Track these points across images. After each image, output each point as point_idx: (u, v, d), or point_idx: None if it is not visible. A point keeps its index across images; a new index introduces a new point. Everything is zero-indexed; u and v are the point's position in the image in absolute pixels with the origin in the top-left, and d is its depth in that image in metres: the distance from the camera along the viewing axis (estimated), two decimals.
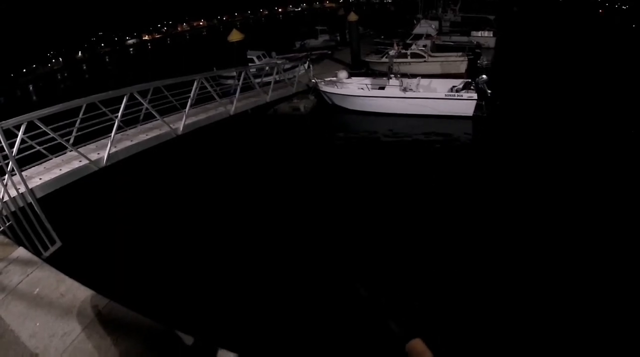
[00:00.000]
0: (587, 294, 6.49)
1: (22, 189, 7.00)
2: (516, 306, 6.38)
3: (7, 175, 6.79)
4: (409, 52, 21.71)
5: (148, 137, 10.64)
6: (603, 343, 5.59)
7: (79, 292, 4.31)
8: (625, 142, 11.78)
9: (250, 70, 16.18)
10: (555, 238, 7.96)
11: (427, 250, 7.94)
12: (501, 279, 6.94)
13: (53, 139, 8.42)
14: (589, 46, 26.82)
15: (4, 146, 6.79)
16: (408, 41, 24.15)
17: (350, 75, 18.77)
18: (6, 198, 6.61)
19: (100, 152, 9.44)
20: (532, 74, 20.32)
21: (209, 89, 12.67)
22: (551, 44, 27.83)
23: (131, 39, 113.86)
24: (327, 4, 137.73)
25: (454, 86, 15.99)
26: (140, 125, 11.44)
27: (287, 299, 6.98)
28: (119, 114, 9.53)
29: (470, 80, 15.98)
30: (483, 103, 15.05)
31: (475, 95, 15.00)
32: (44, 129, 8.04)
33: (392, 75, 16.81)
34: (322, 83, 18.27)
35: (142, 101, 10.43)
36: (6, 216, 6.51)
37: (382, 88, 17.01)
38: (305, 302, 6.86)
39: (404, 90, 16.17)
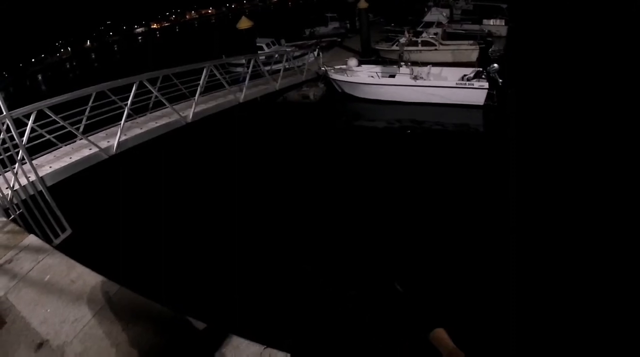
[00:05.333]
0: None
1: (33, 178, 7.03)
2: (535, 298, 6.28)
3: (17, 163, 6.81)
4: (419, 40, 21.41)
5: (157, 125, 10.65)
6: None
7: (89, 279, 4.32)
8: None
9: (260, 58, 16.09)
10: (568, 227, 7.85)
11: (438, 238, 7.90)
12: (514, 270, 6.84)
13: (63, 127, 8.46)
14: (604, 35, 26.27)
15: (14, 135, 6.80)
16: (419, 29, 23.82)
17: (360, 63, 18.62)
18: (17, 186, 6.64)
19: (110, 140, 9.47)
20: (544, 63, 19.99)
21: (218, 76, 12.60)
22: (564, 33, 27.32)
23: (139, 27, 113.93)
24: None
25: (465, 75, 15.80)
26: (150, 113, 11.45)
27: (297, 285, 6.98)
28: (129, 102, 9.53)
29: (481, 69, 15.75)
30: (494, 92, 14.87)
31: (486, 84, 14.80)
32: (54, 117, 8.08)
33: (403, 64, 16.62)
34: (332, 71, 18.11)
35: (151, 89, 10.40)
36: (17, 204, 6.54)
37: (393, 76, 16.83)
38: (317, 289, 6.86)
39: (415, 78, 15.98)
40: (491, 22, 27.20)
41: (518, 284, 6.47)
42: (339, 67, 18.34)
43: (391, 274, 6.81)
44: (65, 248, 5.65)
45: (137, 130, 10.17)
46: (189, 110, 11.41)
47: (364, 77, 17.33)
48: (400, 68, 16.60)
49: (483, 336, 5.49)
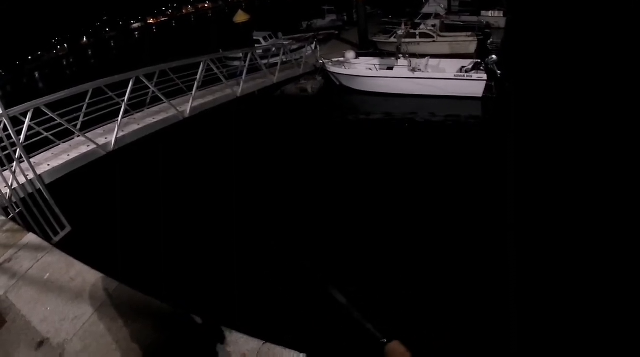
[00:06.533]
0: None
1: (31, 176, 7.01)
2: (533, 295, 6.23)
3: (15, 162, 6.79)
4: (417, 31, 21.32)
5: (155, 120, 10.62)
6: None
7: (88, 276, 4.32)
8: None
9: (257, 51, 16.03)
10: (567, 220, 7.84)
11: (436, 232, 7.91)
12: (514, 265, 6.80)
13: (60, 124, 8.43)
14: (602, 27, 26.11)
15: (12, 133, 6.78)
16: (417, 21, 23.77)
17: (358, 55, 18.61)
18: (15, 185, 6.63)
19: (108, 136, 9.44)
20: (542, 55, 19.90)
21: (216, 71, 12.57)
22: (563, 24, 27.15)
23: (136, 22, 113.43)
24: None
25: (463, 66, 15.77)
26: (147, 108, 11.42)
27: (296, 280, 7.00)
28: (126, 97, 9.52)
29: (479, 60, 15.72)
30: (493, 84, 14.85)
31: (484, 76, 14.77)
32: (51, 115, 8.05)
33: (401, 56, 16.57)
34: (330, 64, 18.09)
35: (148, 84, 10.38)
36: (15, 203, 6.53)
37: (391, 68, 16.78)
38: (315, 284, 6.87)
39: (413, 70, 15.95)
40: (489, 13, 27.03)
41: (517, 282, 6.45)
42: (336, 59, 18.30)
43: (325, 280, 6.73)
44: (65, 246, 5.65)
45: (135, 126, 10.14)
46: (187, 105, 11.37)
47: (361, 70, 17.28)
48: (398, 60, 16.55)
49: (481, 335, 5.52)
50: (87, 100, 9.76)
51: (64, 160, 8.36)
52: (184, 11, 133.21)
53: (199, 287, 6.87)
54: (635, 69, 14.90)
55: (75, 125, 9.21)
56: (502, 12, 27.10)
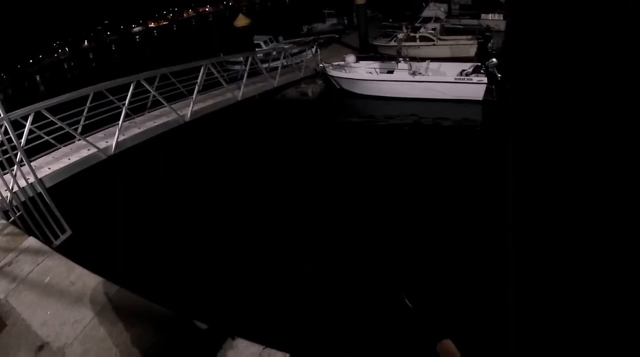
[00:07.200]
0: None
1: (32, 179, 7.02)
2: (533, 297, 6.20)
3: (16, 166, 6.80)
4: (417, 35, 21.34)
5: (156, 124, 10.64)
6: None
7: (89, 280, 4.32)
8: None
9: (257, 55, 16.06)
10: (563, 224, 7.82)
11: (436, 236, 7.89)
12: (513, 269, 6.78)
13: (61, 128, 8.46)
14: (602, 29, 26.16)
15: (12, 137, 6.80)
16: (417, 24, 23.75)
17: (358, 59, 18.56)
18: (16, 189, 6.63)
19: (109, 140, 9.46)
20: (543, 58, 19.91)
21: (216, 75, 12.58)
22: (563, 27, 27.19)
23: (137, 26, 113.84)
24: None
25: (463, 70, 15.74)
26: (148, 112, 11.45)
27: (296, 284, 6.99)
28: (126, 101, 9.53)
29: (480, 64, 15.70)
30: (493, 87, 14.81)
31: (485, 79, 14.73)
32: (52, 118, 8.07)
33: (401, 59, 16.55)
34: (330, 67, 18.09)
35: (149, 88, 10.40)
36: (16, 206, 6.53)
37: (391, 72, 16.77)
38: (316, 288, 6.87)
39: (413, 74, 15.94)
40: (490, 16, 27.06)
41: (517, 284, 6.43)
42: (337, 63, 18.30)
43: (398, 284, 6.75)
44: (65, 249, 5.65)
45: (136, 130, 10.16)
46: (187, 109, 11.39)
47: (362, 73, 17.27)
48: (399, 64, 16.52)
49: (482, 336, 5.50)
50: (88, 104, 9.79)
51: (65, 164, 8.38)
52: (184, 15, 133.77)
53: (199, 292, 6.86)
54: (635, 70, 14.90)
55: (76, 129, 9.22)
56: (502, 15, 27.14)
